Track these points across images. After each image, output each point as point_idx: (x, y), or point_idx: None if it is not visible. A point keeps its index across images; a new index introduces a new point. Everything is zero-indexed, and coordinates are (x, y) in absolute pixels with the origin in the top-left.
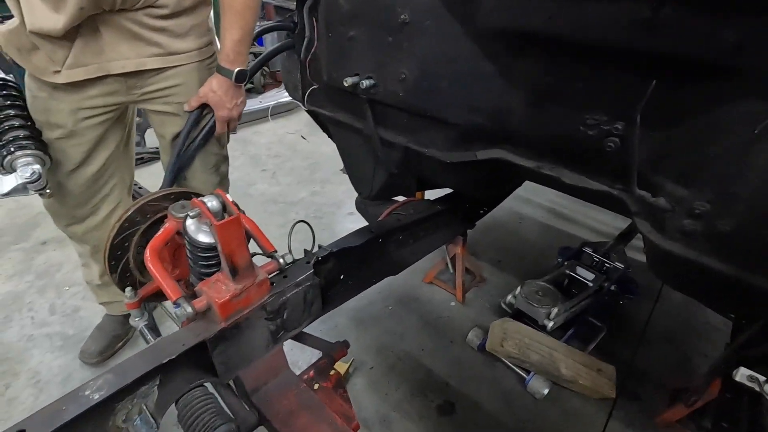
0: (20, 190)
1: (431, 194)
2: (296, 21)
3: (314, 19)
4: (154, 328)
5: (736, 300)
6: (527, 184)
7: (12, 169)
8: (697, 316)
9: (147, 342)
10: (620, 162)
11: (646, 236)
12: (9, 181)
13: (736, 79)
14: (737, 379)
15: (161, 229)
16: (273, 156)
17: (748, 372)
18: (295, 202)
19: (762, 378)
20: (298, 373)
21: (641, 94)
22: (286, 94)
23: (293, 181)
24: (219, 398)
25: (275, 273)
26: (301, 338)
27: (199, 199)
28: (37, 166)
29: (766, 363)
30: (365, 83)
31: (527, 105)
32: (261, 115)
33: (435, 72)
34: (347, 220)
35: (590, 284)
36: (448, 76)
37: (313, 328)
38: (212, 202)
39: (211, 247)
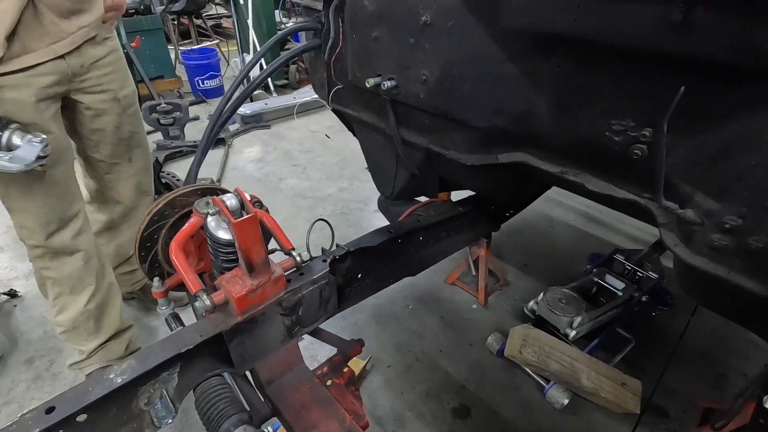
0: (38, 158)
1: (458, 195)
2: (323, 21)
3: (340, 20)
4: (177, 318)
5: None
6: None
7: (11, 145)
8: (737, 332)
9: (171, 330)
10: (647, 170)
11: (672, 250)
12: (28, 150)
13: None
14: (767, 405)
15: (186, 224)
16: (305, 151)
17: None
18: (323, 197)
19: None
20: (313, 367)
21: (669, 100)
22: None
23: (323, 177)
24: (235, 388)
25: (292, 270)
26: (317, 334)
27: (219, 197)
28: (36, 135)
29: None
30: (387, 84)
31: (551, 108)
32: (296, 111)
33: (456, 74)
34: (374, 218)
35: (619, 293)
36: (469, 78)
37: (333, 325)
38: (231, 201)
39: (230, 243)
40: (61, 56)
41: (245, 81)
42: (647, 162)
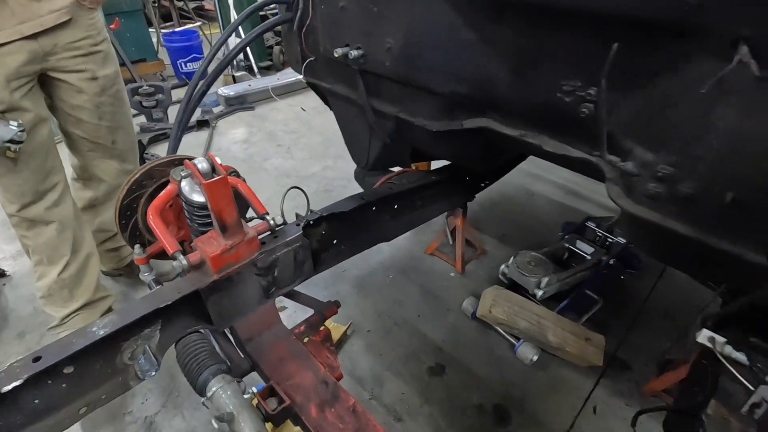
0: (11, 141)
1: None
2: None
3: None
4: (159, 284)
5: (701, 263)
6: (538, 159)
7: None
8: (700, 293)
9: None
10: (595, 128)
11: (615, 201)
12: (3, 132)
13: (697, 39)
14: (699, 340)
15: (163, 191)
16: (289, 132)
17: (709, 333)
18: (307, 176)
19: (721, 339)
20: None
21: (607, 57)
22: None
23: (307, 156)
24: (216, 345)
25: (266, 234)
26: (294, 296)
27: (192, 161)
28: (15, 120)
29: (733, 324)
30: (354, 53)
31: (508, 73)
32: (280, 92)
33: (418, 41)
34: None
35: (588, 257)
36: (430, 45)
37: (315, 294)
38: (202, 164)
39: (204, 206)
40: (32, 36)
41: (222, 53)
42: (594, 120)
